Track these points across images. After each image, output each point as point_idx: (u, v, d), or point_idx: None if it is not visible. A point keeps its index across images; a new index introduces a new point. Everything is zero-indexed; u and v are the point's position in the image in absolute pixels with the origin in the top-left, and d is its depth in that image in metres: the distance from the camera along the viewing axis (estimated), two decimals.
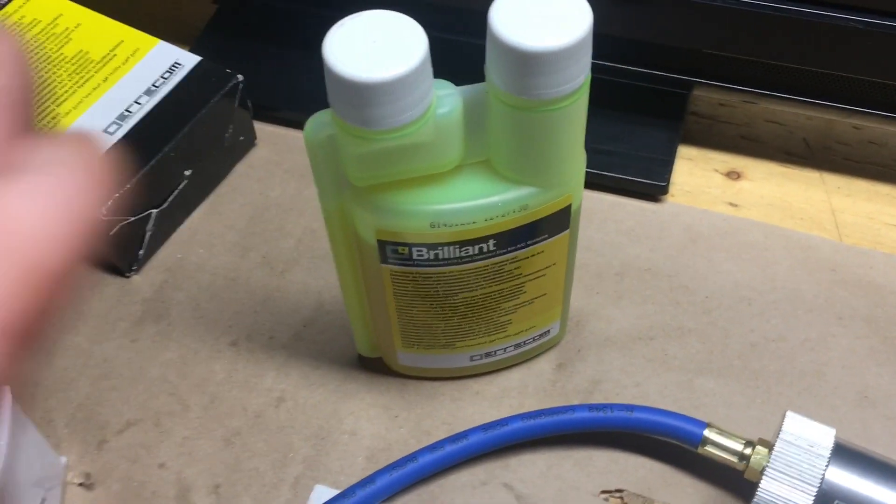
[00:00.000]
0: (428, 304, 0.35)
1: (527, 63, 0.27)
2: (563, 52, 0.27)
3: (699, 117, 0.49)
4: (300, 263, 0.44)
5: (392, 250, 0.33)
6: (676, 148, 0.46)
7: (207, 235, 0.46)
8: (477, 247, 0.33)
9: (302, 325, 0.42)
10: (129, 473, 0.38)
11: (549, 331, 0.39)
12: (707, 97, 0.49)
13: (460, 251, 0.33)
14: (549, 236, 0.34)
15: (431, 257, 0.33)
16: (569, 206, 0.33)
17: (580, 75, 0.28)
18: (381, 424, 0.39)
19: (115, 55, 0.47)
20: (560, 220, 0.33)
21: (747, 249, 0.44)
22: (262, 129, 0.49)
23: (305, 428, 0.39)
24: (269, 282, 0.44)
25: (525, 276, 0.35)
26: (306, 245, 0.45)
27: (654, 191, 0.45)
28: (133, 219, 0.43)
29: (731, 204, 0.46)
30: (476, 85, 0.30)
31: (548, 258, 0.35)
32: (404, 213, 0.32)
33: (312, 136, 0.30)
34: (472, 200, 0.32)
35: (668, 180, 0.45)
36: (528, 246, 0.34)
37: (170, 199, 0.44)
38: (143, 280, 0.44)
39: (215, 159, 0.47)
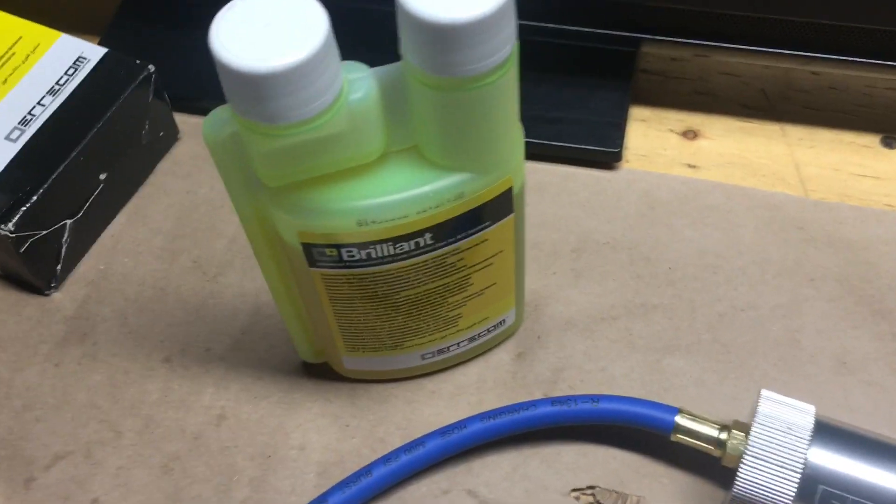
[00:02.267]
0: (367, 305, 0.32)
1: (443, 38, 0.24)
2: (482, 21, 0.24)
3: (650, 74, 0.46)
4: (234, 265, 0.41)
5: (319, 253, 0.30)
6: (627, 110, 0.43)
7: (132, 242, 0.42)
8: (412, 242, 0.30)
9: (240, 333, 0.39)
10: None
11: (503, 320, 0.37)
12: (657, 53, 0.46)
13: (395, 248, 0.30)
14: (492, 223, 0.31)
15: (363, 257, 0.30)
16: (510, 190, 0.30)
17: (505, 45, 0.25)
18: (331, 435, 0.36)
19: (13, 53, 0.43)
20: (502, 205, 0.30)
21: (709, 213, 0.41)
22: (184, 121, 0.45)
23: (250, 446, 0.36)
24: (202, 288, 0.41)
25: (470, 267, 0.32)
26: (240, 244, 0.42)
27: (608, 158, 0.43)
28: (45, 232, 0.39)
29: (690, 165, 0.43)
30: (393, 65, 0.27)
31: (493, 246, 0.32)
32: (327, 213, 0.28)
33: (213, 136, 0.27)
34: (401, 193, 0.28)
35: (620, 145, 0.42)
36: (469, 236, 0.31)
37: (85, 207, 0.41)
38: (65, 297, 0.41)
39: (133, 159, 0.43)
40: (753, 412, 0.31)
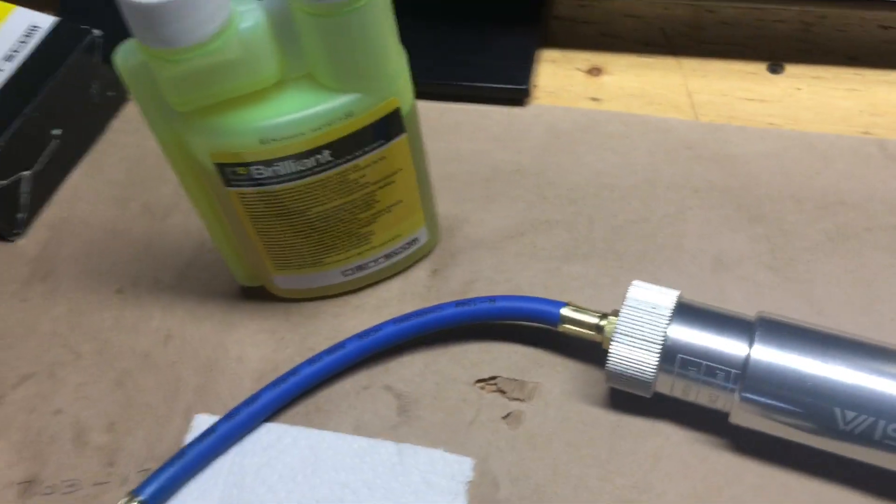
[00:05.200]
0: (284, 223, 0.37)
1: None
2: None
3: (560, 20, 0.50)
4: (179, 207, 0.45)
5: (232, 172, 0.34)
6: (535, 51, 0.47)
7: (89, 192, 0.47)
8: (313, 159, 0.34)
9: (185, 266, 0.44)
10: (28, 423, 0.39)
11: (416, 238, 0.41)
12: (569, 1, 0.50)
13: (297, 165, 0.34)
14: (386, 142, 0.35)
15: (271, 174, 0.34)
16: (397, 110, 0.34)
17: None
18: (267, 348, 0.41)
19: None
20: (392, 125, 0.35)
21: (608, 140, 0.45)
22: None
23: (193, 360, 0.40)
24: (151, 228, 0.45)
25: (373, 184, 0.36)
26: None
27: (517, 95, 0.47)
28: (4, 182, 0.43)
29: (593, 98, 0.47)
30: None
31: (391, 164, 0.36)
32: (232, 132, 0.33)
33: (124, 65, 0.31)
34: (296, 113, 0.33)
35: (528, 83, 0.46)
36: (365, 153, 0.35)
37: (40, 159, 0.45)
38: (29, 242, 0.45)
39: (85, 116, 0.47)
40: None
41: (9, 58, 0.45)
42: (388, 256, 0.41)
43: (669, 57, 0.48)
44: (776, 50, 0.47)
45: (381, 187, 0.37)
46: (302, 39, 0.32)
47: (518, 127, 0.46)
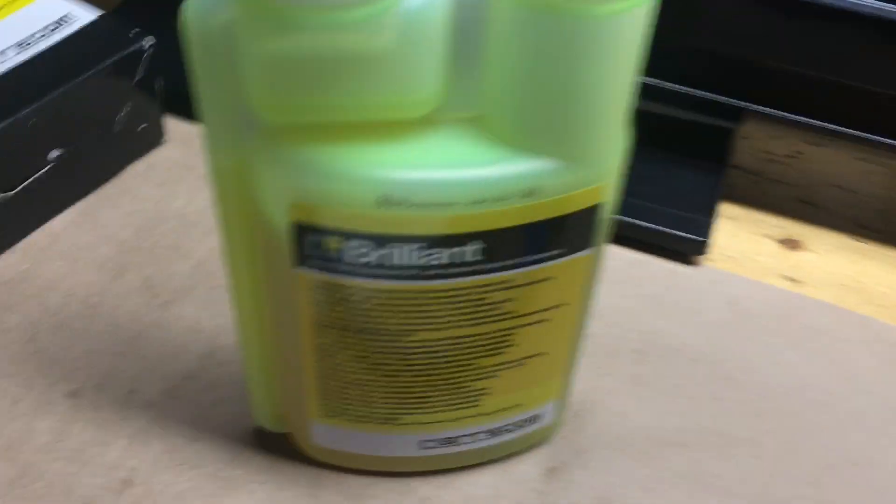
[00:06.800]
0: (365, 345, 0.23)
1: None
2: None
3: (744, 172, 0.38)
4: (194, 294, 0.32)
5: (313, 243, 0.20)
6: (717, 200, 0.35)
7: (72, 245, 0.33)
8: (452, 251, 0.21)
9: (181, 378, 0.29)
10: None
11: (539, 415, 0.27)
12: (753, 147, 0.38)
13: (422, 255, 0.20)
14: (567, 253, 0.22)
15: (376, 261, 0.21)
16: (597, 207, 0.21)
17: None
18: None
19: None
20: (584, 226, 0.21)
21: (815, 337, 0.32)
22: (175, 126, 0.37)
23: None
24: (146, 314, 0.31)
25: (520, 316, 0.23)
26: (207, 270, 0.32)
27: (690, 248, 0.34)
28: None
29: (790, 279, 0.34)
30: None
31: (558, 292, 0.23)
32: (338, 174, 0.19)
33: (198, 24, 0.18)
34: (450, 169, 0.19)
35: (707, 235, 0.34)
36: (530, 264, 0.21)
37: (23, 184, 0.32)
38: None
39: (100, 146, 0.34)
40: None
41: (22, 45, 0.33)
42: (493, 433, 0.26)
43: (891, 248, 0.36)
44: None
45: (528, 324, 0.23)
46: (489, 59, 0.19)
47: (686, 290, 0.33)
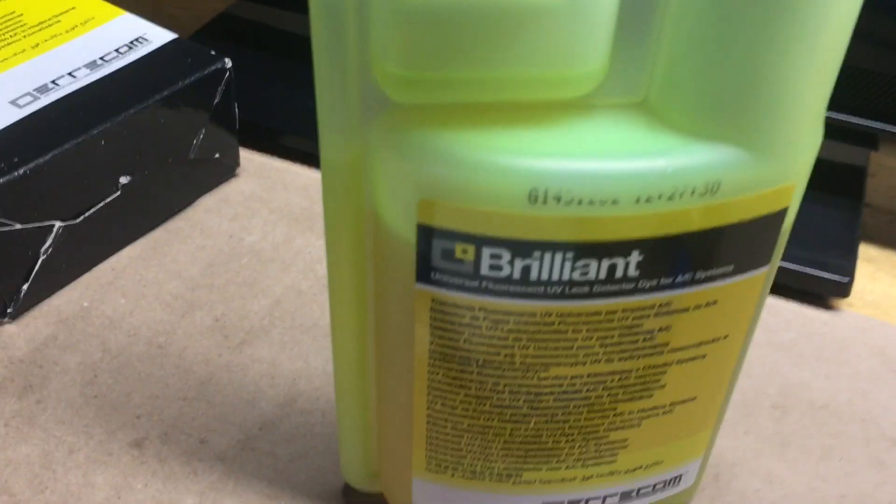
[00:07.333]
0: (487, 382, 0.19)
1: None
2: None
3: (877, 211, 0.34)
4: (271, 335, 0.28)
5: (444, 251, 0.17)
6: (857, 238, 0.31)
7: (137, 280, 0.30)
8: (610, 262, 0.17)
9: (257, 428, 0.26)
10: None
11: (680, 476, 0.23)
12: (883, 185, 0.34)
13: (577, 269, 0.17)
14: (737, 271, 0.18)
15: (515, 274, 0.17)
16: (783, 212, 0.18)
17: None
18: None
19: (57, 21, 0.33)
20: (765, 237, 0.18)
21: None
22: (249, 157, 0.35)
23: None
24: (218, 357, 0.27)
25: (675, 350, 0.19)
26: (285, 310, 0.29)
27: (831, 290, 0.30)
28: (19, 227, 0.27)
29: None
30: None
31: (722, 319, 0.19)
32: (481, 166, 0.16)
33: None
34: (614, 159, 0.16)
35: (852, 275, 0.30)
36: (699, 282, 0.18)
37: (88, 212, 0.29)
38: (21, 330, 0.28)
39: (172, 175, 0.31)
40: None
41: (93, 65, 0.31)
42: (625, 496, 0.22)
43: None
44: None
45: (681, 360, 0.19)
46: (663, 25, 0.16)
47: (827, 339, 0.29)
